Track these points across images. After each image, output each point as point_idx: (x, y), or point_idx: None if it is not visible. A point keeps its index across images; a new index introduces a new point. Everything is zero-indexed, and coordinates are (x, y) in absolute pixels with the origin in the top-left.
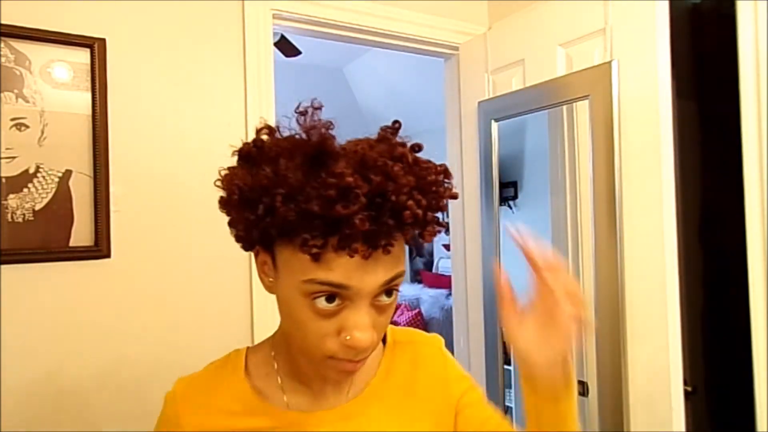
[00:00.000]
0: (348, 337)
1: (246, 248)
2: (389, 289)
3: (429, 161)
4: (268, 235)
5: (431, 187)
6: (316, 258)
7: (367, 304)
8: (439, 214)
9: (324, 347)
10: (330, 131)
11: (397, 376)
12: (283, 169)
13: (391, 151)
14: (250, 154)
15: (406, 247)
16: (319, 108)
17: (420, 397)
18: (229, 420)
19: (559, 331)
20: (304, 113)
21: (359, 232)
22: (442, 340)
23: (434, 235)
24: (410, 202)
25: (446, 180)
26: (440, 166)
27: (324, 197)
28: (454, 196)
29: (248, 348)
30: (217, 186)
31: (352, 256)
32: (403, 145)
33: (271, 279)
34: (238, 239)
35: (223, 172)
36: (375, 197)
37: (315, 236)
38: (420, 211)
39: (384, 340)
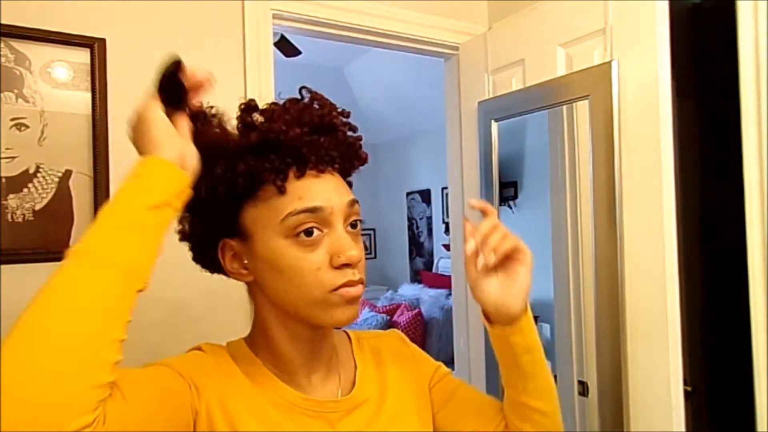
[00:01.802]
0: (340, 256)
1: (207, 256)
2: (354, 220)
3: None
4: (233, 204)
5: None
6: (281, 190)
7: (343, 227)
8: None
9: (323, 281)
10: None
11: (372, 364)
12: (228, 131)
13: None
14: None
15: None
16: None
17: (399, 380)
18: (252, 388)
19: (516, 282)
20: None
21: (309, 154)
22: (402, 334)
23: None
24: (338, 120)
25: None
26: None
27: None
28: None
29: (230, 343)
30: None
31: (302, 175)
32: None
33: (245, 261)
34: (199, 241)
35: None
36: (314, 124)
37: (276, 170)
38: (346, 129)
39: (349, 339)
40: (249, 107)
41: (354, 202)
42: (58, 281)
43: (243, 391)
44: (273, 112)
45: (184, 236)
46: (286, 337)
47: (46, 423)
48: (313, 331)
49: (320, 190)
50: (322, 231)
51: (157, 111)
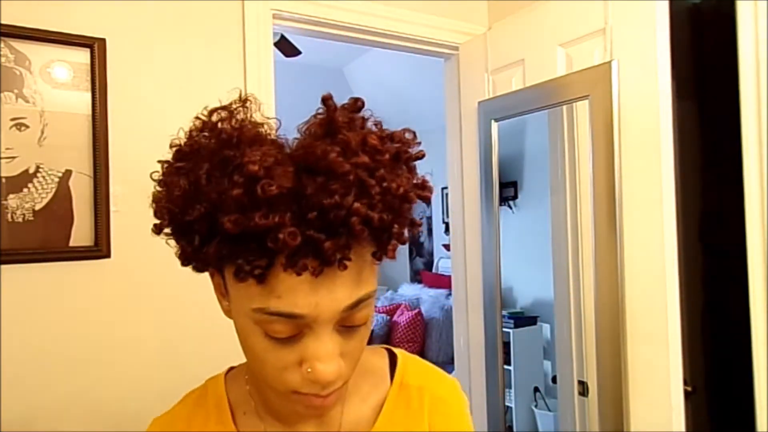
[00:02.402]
0: (309, 370)
1: (197, 269)
2: (353, 324)
3: (394, 137)
4: (209, 258)
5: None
6: (259, 280)
7: (330, 330)
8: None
9: (286, 381)
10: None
11: (399, 428)
12: (196, 175)
13: (335, 132)
14: (172, 159)
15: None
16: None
17: None
18: None
19: None
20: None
21: (292, 248)
22: (460, 390)
23: (400, 244)
24: (356, 206)
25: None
26: (407, 138)
27: (234, 203)
28: (425, 197)
29: (226, 376)
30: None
31: (299, 274)
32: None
33: (226, 303)
34: (182, 261)
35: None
36: (303, 198)
37: (251, 259)
38: (374, 215)
39: (391, 372)
40: (210, 118)
41: (363, 299)
42: None
43: None
44: (267, 158)
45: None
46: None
47: None
48: None
49: (307, 293)
50: (298, 333)
51: None
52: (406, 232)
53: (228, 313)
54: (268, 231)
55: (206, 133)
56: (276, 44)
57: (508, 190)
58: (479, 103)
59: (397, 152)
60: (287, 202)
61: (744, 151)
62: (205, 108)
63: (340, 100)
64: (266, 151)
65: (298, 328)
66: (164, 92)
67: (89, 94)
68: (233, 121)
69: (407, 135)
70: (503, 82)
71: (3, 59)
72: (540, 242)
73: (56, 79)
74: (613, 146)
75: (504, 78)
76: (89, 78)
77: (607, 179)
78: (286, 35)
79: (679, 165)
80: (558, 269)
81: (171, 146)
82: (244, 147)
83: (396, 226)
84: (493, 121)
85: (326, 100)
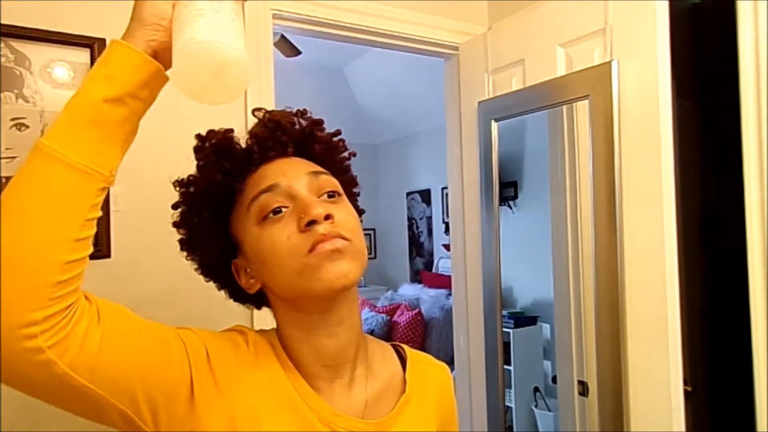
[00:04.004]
0: (303, 217)
1: (222, 279)
2: (329, 191)
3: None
4: (220, 224)
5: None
6: (240, 188)
7: (309, 195)
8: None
9: (295, 246)
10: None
11: (418, 393)
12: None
13: None
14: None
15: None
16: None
17: (431, 417)
18: (274, 397)
19: None
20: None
21: (255, 148)
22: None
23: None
24: (285, 120)
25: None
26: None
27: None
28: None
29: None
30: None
31: (256, 167)
32: None
33: (249, 271)
34: (220, 277)
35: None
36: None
37: (230, 173)
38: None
39: (403, 357)
40: (201, 139)
41: (318, 173)
42: (19, 176)
43: (273, 387)
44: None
45: (209, 279)
46: (304, 339)
47: None
48: (335, 330)
49: (273, 171)
50: (287, 205)
51: None
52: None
53: (253, 284)
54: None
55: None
56: (276, 44)
57: (508, 190)
58: (479, 103)
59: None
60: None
61: (744, 151)
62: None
63: (341, 100)
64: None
65: (280, 199)
66: (164, 92)
67: None
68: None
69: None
70: (503, 82)
71: (3, 59)
72: (540, 242)
73: (56, 79)
74: (613, 146)
75: (504, 78)
76: None
77: (607, 179)
78: (286, 35)
79: (679, 165)
80: (558, 269)
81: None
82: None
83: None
84: (493, 121)
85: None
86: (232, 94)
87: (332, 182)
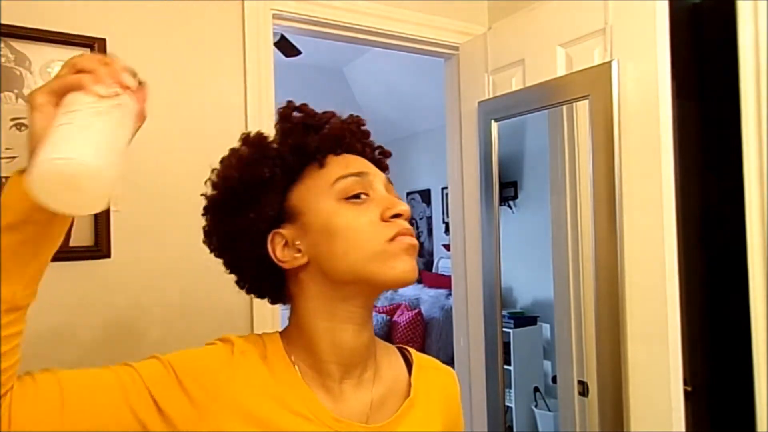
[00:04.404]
0: (391, 208)
1: (247, 251)
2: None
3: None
4: (281, 190)
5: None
6: (321, 164)
7: (385, 187)
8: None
9: (378, 232)
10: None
11: (422, 397)
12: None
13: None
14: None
15: None
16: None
17: (436, 422)
18: (273, 408)
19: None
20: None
21: (346, 137)
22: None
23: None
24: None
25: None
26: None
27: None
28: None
29: (267, 335)
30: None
31: (337, 154)
32: None
33: (297, 243)
34: (244, 248)
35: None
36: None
37: (317, 149)
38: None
39: (409, 360)
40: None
41: (390, 183)
42: None
43: (266, 392)
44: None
45: (227, 264)
46: (327, 331)
47: None
48: (360, 326)
49: (360, 161)
50: (368, 194)
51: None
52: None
53: (297, 258)
54: (326, 122)
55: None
56: (276, 44)
57: (508, 190)
58: (479, 103)
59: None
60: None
61: (744, 151)
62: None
63: (341, 99)
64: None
65: (364, 188)
66: (164, 92)
67: None
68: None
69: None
70: (503, 82)
71: (3, 59)
72: (540, 242)
73: None
74: (613, 146)
75: (504, 78)
76: None
77: (607, 179)
78: (286, 35)
79: (679, 165)
80: (558, 269)
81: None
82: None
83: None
84: (493, 121)
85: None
86: (92, 205)
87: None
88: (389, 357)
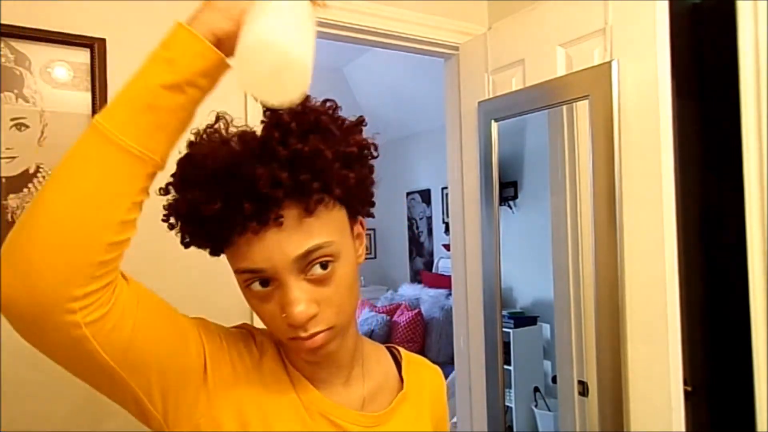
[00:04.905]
0: (284, 315)
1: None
2: (321, 261)
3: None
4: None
5: (307, 141)
6: (214, 252)
7: (295, 279)
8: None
9: (279, 330)
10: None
11: (414, 392)
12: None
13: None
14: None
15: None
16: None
17: (426, 416)
18: (276, 391)
19: None
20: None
21: (216, 216)
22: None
23: (334, 197)
24: (260, 171)
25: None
26: (323, 104)
27: (179, 184)
28: (363, 145)
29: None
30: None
31: (242, 234)
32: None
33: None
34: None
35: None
36: (221, 172)
37: (210, 230)
38: (282, 175)
39: (398, 358)
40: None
41: (315, 249)
42: (72, 153)
43: (281, 387)
44: (213, 144)
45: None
46: (300, 349)
47: (34, 287)
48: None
49: (261, 249)
50: (274, 283)
51: None
52: (337, 188)
53: None
54: (197, 205)
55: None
56: None
57: (508, 190)
58: (479, 103)
59: (315, 121)
60: (222, 178)
61: (744, 151)
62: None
63: (340, 99)
64: (219, 142)
65: (269, 283)
66: None
67: (89, 94)
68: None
69: (328, 104)
70: (503, 82)
71: (3, 59)
72: (540, 242)
73: (56, 79)
74: (613, 146)
75: (504, 78)
76: (89, 78)
77: (607, 179)
78: None
79: (679, 165)
80: (558, 269)
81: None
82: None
83: (316, 183)
84: (493, 121)
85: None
86: (288, 96)
87: (327, 251)
88: (377, 354)
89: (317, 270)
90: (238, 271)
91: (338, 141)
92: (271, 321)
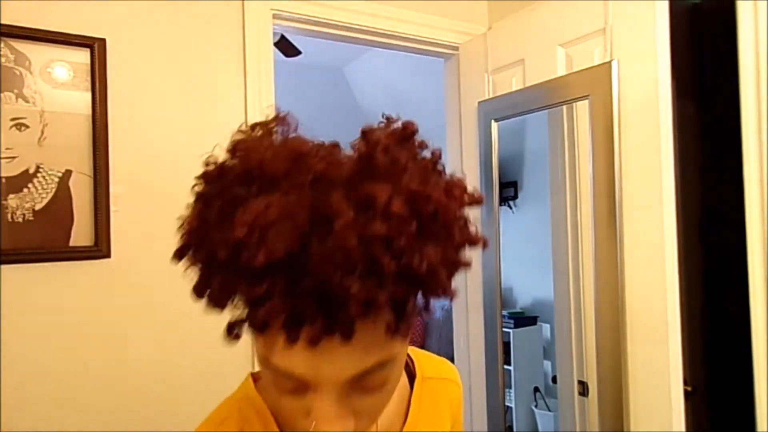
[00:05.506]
0: (310, 422)
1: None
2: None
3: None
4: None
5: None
6: (260, 330)
7: (337, 392)
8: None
9: (295, 427)
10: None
11: (425, 420)
12: (208, 208)
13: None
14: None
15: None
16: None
17: None
18: None
19: None
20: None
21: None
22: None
23: (425, 317)
24: (356, 288)
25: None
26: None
27: (221, 264)
28: (474, 241)
29: (256, 386)
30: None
31: (292, 342)
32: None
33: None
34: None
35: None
36: (300, 265)
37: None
38: (381, 296)
39: (412, 374)
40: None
41: (374, 367)
42: None
43: None
44: (269, 213)
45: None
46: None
47: None
48: None
49: (306, 357)
50: (310, 388)
51: None
52: (432, 304)
53: None
54: (254, 300)
55: (233, 158)
56: (276, 44)
57: (508, 190)
58: (479, 103)
59: (434, 214)
60: (282, 268)
61: (744, 151)
62: (244, 123)
63: (340, 99)
64: (274, 201)
65: (303, 385)
66: (164, 92)
67: (89, 94)
68: (266, 142)
69: (455, 190)
70: (503, 82)
71: (3, 59)
72: (540, 242)
73: (56, 79)
74: (613, 146)
75: (504, 78)
76: (89, 78)
77: (607, 179)
78: (286, 35)
79: (679, 165)
80: (558, 269)
81: (206, 164)
82: (255, 189)
83: (411, 303)
84: (493, 121)
85: (366, 133)
86: None
87: (380, 376)
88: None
89: (369, 381)
90: (266, 361)
91: (454, 245)
92: (289, 416)
